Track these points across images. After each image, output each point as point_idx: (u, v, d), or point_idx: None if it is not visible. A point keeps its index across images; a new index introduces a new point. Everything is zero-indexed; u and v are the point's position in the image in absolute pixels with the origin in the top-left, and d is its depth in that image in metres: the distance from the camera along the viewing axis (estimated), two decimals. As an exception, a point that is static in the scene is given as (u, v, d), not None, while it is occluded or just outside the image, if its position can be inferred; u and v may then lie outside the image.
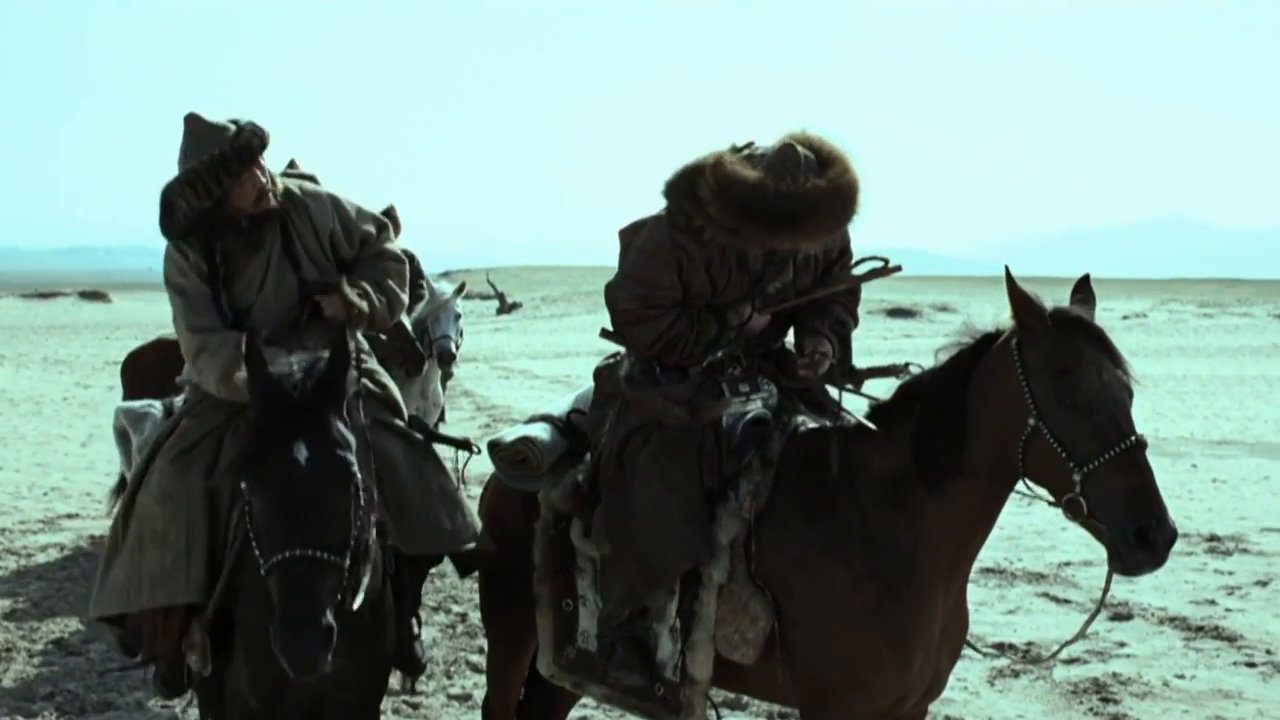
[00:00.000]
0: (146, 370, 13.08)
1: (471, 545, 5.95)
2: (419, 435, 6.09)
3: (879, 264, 5.81)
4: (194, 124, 5.67)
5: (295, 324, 5.70)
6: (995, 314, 5.41)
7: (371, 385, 5.98)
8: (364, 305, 5.80)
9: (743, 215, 5.37)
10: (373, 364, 6.16)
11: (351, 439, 4.95)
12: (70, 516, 14.38)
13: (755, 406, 5.65)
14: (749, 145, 5.61)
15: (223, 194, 5.65)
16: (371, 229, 6.01)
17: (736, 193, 5.37)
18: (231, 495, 5.44)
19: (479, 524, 6.04)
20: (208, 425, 5.76)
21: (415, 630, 5.97)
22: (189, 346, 5.72)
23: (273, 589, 4.72)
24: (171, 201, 5.70)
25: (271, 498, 4.78)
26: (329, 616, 4.66)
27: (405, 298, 6.08)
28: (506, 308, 66.98)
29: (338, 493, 4.83)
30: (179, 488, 5.62)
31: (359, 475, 4.93)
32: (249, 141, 5.65)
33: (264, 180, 5.73)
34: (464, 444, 6.39)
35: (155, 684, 5.99)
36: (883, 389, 5.62)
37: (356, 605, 4.95)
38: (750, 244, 5.49)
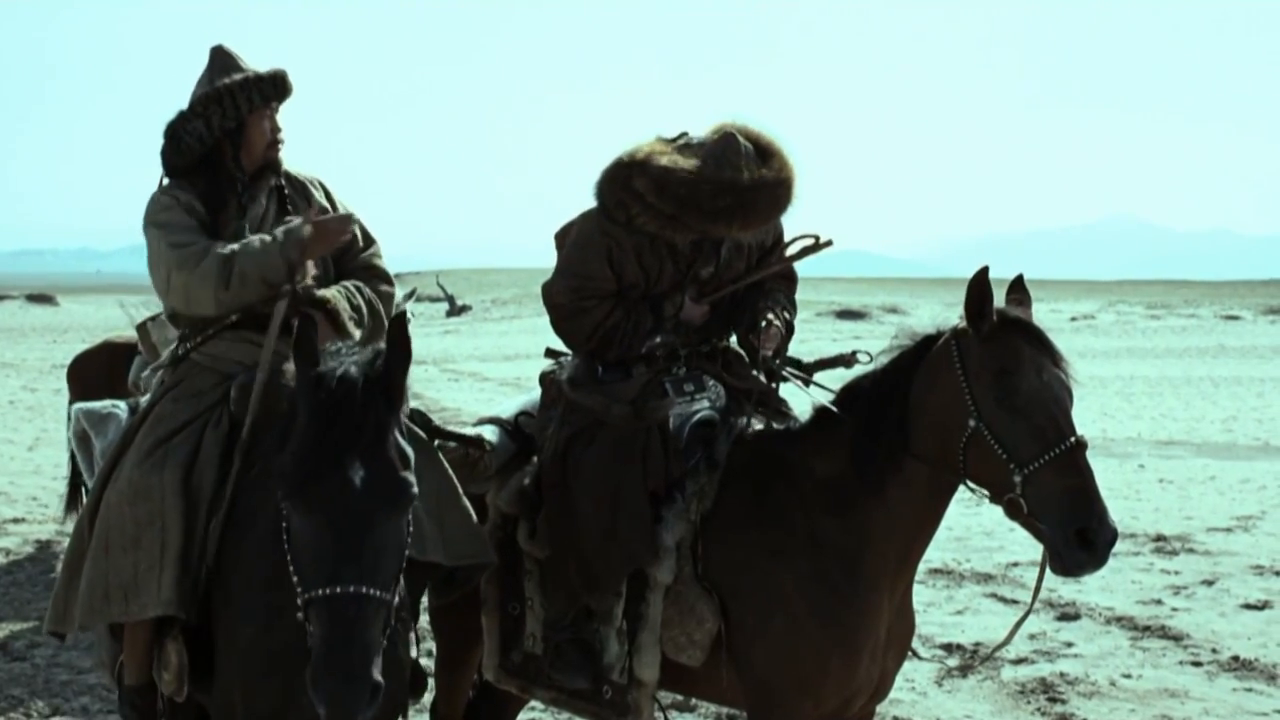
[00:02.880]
0: (93, 373, 13.03)
1: (471, 560, 5.42)
2: (420, 431, 5.49)
3: (810, 242, 5.89)
4: (223, 53, 5.52)
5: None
6: (942, 315, 5.43)
7: None
8: (355, 331, 5.34)
9: (682, 204, 5.46)
10: None
11: (411, 453, 4.43)
12: (16, 521, 14.25)
13: (702, 406, 5.69)
14: (682, 135, 5.69)
15: (240, 122, 5.44)
16: (357, 234, 5.67)
17: (677, 182, 5.45)
18: (213, 496, 5.04)
19: (482, 536, 5.52)
20: (188, 412, 5.28)
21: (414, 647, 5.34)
22: (166, 268, 5.27)
23: (314, 624, 4.20)
24: (179, 130, 5.46)
25: (321, 523, 4.21)
26: (378, 670, 4.13)
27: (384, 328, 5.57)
28: (456, 310, 66.82)
29: (396, 520, 4.31)
30: (153, 485, 5.07)
31: (417, 496, 4.42)
32: (282, 76, 5.52)
33: (280, 129, 5.56)
34: (475, 442, 5.86)
35: (122, 712, 5.43)
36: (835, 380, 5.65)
37: (415, 654, 4.55)
38: (688, 232, 5.57)
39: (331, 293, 5.37)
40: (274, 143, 5.56)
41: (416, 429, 5.48)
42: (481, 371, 34.59)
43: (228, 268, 5.20)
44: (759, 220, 5.58)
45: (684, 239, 5.63)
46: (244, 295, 5.24)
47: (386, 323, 5.54)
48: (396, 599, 4.32)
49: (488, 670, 5.99)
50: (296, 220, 5.30)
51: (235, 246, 5.26)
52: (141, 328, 12.15)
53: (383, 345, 4.55)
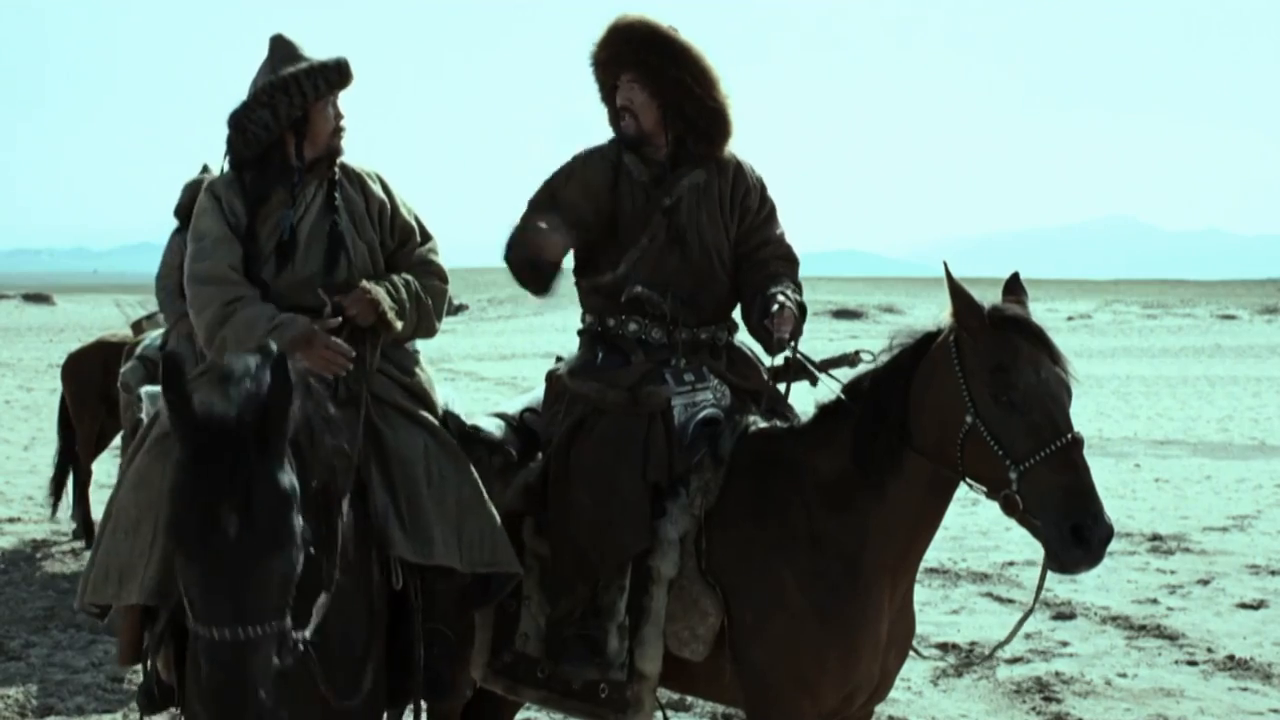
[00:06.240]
0: (87, 372, 13.05)
1: (492, 569, 5.43)
2: (450, 434, 5.60)
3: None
4: (284, 42, 5.54)
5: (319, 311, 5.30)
6: (939, 314, 5.44)
7: (398, 372, 5.56)
8: (397, 322, 5.39)
9: (610, 40, 5.92)
10: (406, 349, 5.72)
11: (292, 483, 4.28)
12: (11, 521, 14.24)
13: (706, 400, 5.72)
14: None
15: (305, 111, 5.44)
16: (414, 226, 5.70)
17: (616, 23, 5.92)
18: None
19: (505, 545, 5.48)
20: None
21: (447, 650, 5.39)
22: (193, 280, 5.38)
23: (200, 656, 4.21)
24: (243, 120, 5.45)
25: (197, 571, 4.16)
26: (263, 693, 4.13)
27: (438, 325, 5.69)
28: (452, 309, 66.75)
29: (274, 559, 4.20)
30: (155, 474, 5.08)
31: (300, 532, 4.28)
32: (345, 63, 5.53)
33: (342, 115, 5.58)
34: (498, 447, 5.90)
35: (138, 695, 5.50)
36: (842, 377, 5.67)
37: (308, 634, 4.46)
38: (617, 70, 5.92)
39: (371, 284, 5.37)
40: (337, 130, 5.56)
41: (447, 435, 5.57)
42: (478, 371, 34.57)
43: (215, 329, 5.26)
44: (684, 69, 5.84)
45: (621, 87, 5.92)
46: (220, 355, 5.24)
47: (436, 319, 5.64)
48: (289, 620, 4.27)
49: (475, 668, 5.88)
50: (301, 321, 5.22)
51: (237, 308, 5.26)
52: (137, 325, 12.18)
53: (268, 375, 4.37)
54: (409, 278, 5.55)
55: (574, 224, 5.84)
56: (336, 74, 5.50)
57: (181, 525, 4.17)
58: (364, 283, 5.36)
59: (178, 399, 4.26)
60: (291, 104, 5.42)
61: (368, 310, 5.33)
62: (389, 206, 5.67)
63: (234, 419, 4.24)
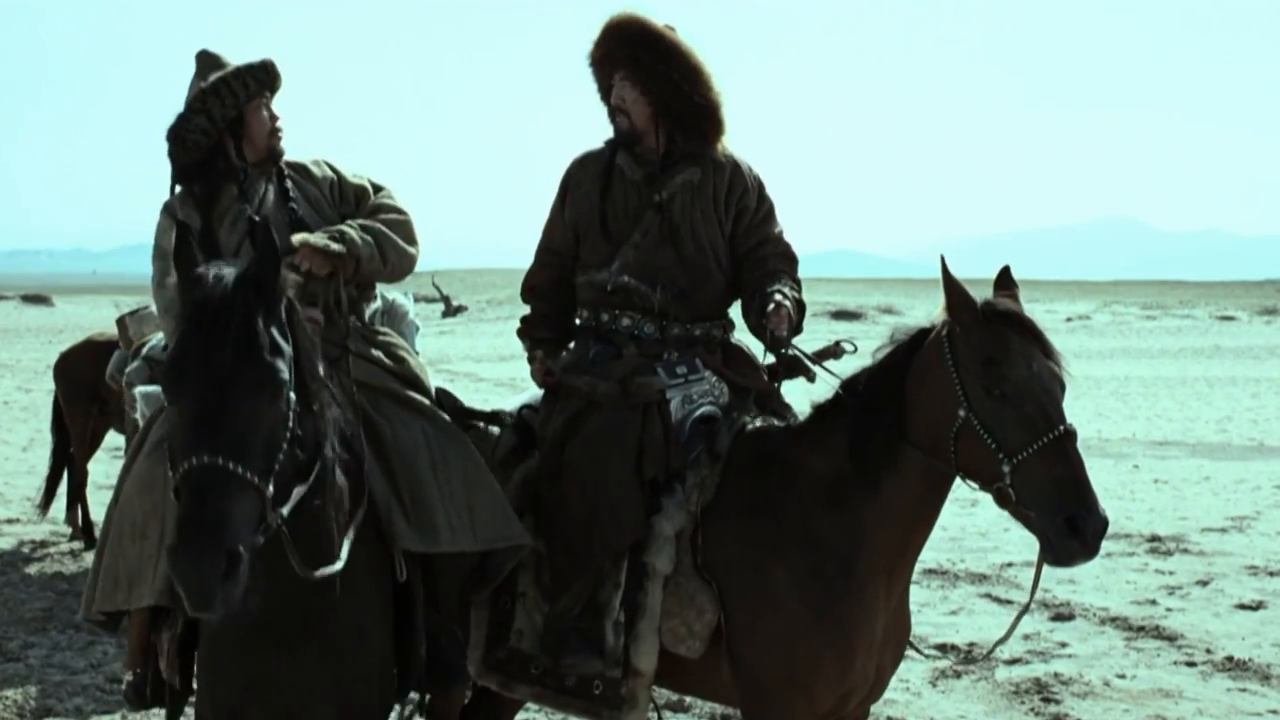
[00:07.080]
0: (78, 371, 13.09)
1: (503, 543, 5.47)
2: (445, 415, 5.68)
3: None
4: (208, 55, 5.63)
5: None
6: (937, 315, 5.44)
7: (386, 359, 5.66)
8: (338, 247, 5.41)
9: (604, 38, 5.95)
10: (391, 337, 5.85)
11: (286, 348, 4.38)
12: (10, 522, 14.24)
13: (700, 389, 5.72)
14: None
15: (240, 112, 5.55)
16: (366, 185, 5.81)
17: (616, 20, 5.94)
18: None
19: (513, 518, 5.53)
20: None
21: (454, 639, 5.45)
22: (157, 306, 5.50)
23: (179, 506, 4.11)
24: (181, 131, 5.56)
25: (185, 406, 4.18)
26: (238, 543, 4.02)
27: (410, 250, 5.71)
28: (451, 310, 66.77)
29: (263, 402, 4.23)
30: (158, 476, 5.09)
31: (290, 388, 4.35)
32: (271, 64, 5.62)
33: (278, 117, 5.67)
34: (492, 417, 6.04)
35: (126, 693, 5.58)
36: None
37: (285, 512, 4.36)
38: (610, 68, 5.96)
39: (303, 234, 5.46)
40: (274, 131, 5.65)
41: (442, 413, 5.64)
42: (477, 372, 34.55)
43: None
44: (673, 62, 5.85)
45: (612, 84, 5.96)
46: None
47: (407, 244, 5.70)
48: (271, 489, 4.22)
49: (470, 664, 5.92)
50: None
51: None
52: (120, 322, 12.21)
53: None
54: (359, 220, 5.62)
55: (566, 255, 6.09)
56: (264, 73, 5.61)
57: (179, 363, 4.25)
58: (295, 237, 5.43)
59: (187, 257, 4.42)
60: (224, 105, 5.53)
61: (315, 257, 5.41)
62: (336, 179, 5.78)
63: (227, 276, 4.36)
